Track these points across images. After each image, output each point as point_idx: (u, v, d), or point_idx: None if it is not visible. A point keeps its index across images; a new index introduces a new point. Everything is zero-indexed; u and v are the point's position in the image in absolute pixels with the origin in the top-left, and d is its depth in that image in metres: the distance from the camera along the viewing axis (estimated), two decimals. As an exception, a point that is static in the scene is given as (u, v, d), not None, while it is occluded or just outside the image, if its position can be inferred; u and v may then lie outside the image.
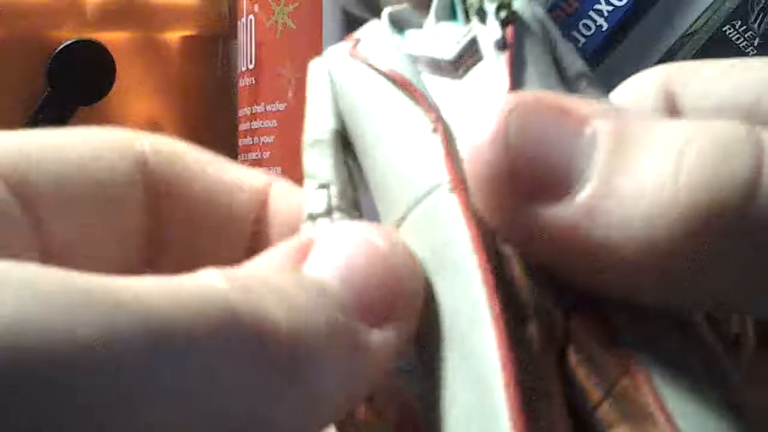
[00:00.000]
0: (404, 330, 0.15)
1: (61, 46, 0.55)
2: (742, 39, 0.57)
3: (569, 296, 0.15)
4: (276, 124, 0.53)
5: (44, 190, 0.18)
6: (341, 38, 0.18)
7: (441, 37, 0.17)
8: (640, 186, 0.14)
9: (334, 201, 0.17)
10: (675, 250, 0.13)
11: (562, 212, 0.14)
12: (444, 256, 0.15)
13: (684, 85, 0.19)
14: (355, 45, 0.17)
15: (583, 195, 0.14)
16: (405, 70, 0.17)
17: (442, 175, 0.15)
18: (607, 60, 0.59)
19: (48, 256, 0.18)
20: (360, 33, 0.18)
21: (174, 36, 0.61)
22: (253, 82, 0.54)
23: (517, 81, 0.16)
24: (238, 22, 0.57)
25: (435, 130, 0.16)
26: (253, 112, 0.54)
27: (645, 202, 0.14)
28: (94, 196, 0.19)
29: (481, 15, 0.17)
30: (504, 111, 0.14)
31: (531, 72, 0.16)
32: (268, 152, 0.54)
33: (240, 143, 0.56)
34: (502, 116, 0.14)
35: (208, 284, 0.13)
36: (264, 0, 0.53)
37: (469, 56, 0.17)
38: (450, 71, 0.17)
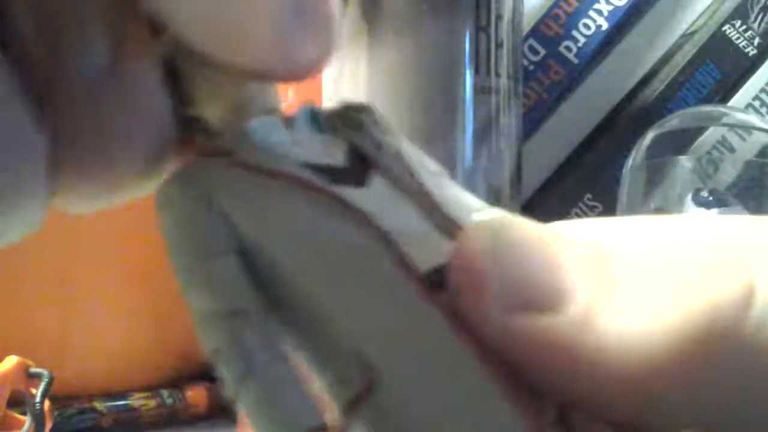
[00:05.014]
0: None
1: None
2: (742, 39, 0.57)
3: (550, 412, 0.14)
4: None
5: None
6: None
7: (317, 145, 0.16)
8: (636, 301, 0.14)
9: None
10: (671, 369, 0.13)
11: (556, 324, 0.14)
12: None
13: None
14: (232, 157, 0.15)
15: (578, 307, 0.14)
16: (314, 179, 0.15)
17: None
18: (607, 60, 0.59)
19: None
20: (232, 143, 0.16)
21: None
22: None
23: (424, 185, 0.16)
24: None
25: (383, 237, 0.15)
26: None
27: (641, 319, 0.14)
28: None
29: (356, 124, 0.16)
30: (492, 225, 0.15)
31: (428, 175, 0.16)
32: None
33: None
34: (491, 230, 0.14)
35: None
36: None
37: (357, 163, 0.16)
38: (348, 178, 0.15)
